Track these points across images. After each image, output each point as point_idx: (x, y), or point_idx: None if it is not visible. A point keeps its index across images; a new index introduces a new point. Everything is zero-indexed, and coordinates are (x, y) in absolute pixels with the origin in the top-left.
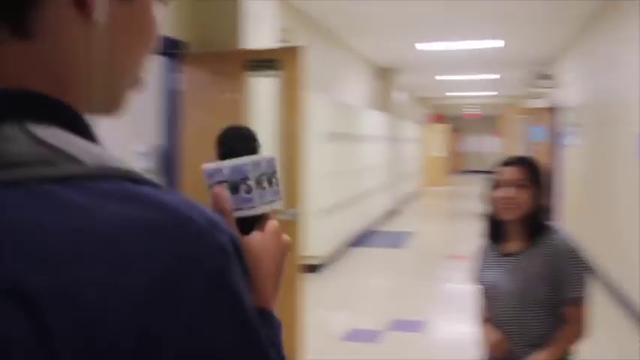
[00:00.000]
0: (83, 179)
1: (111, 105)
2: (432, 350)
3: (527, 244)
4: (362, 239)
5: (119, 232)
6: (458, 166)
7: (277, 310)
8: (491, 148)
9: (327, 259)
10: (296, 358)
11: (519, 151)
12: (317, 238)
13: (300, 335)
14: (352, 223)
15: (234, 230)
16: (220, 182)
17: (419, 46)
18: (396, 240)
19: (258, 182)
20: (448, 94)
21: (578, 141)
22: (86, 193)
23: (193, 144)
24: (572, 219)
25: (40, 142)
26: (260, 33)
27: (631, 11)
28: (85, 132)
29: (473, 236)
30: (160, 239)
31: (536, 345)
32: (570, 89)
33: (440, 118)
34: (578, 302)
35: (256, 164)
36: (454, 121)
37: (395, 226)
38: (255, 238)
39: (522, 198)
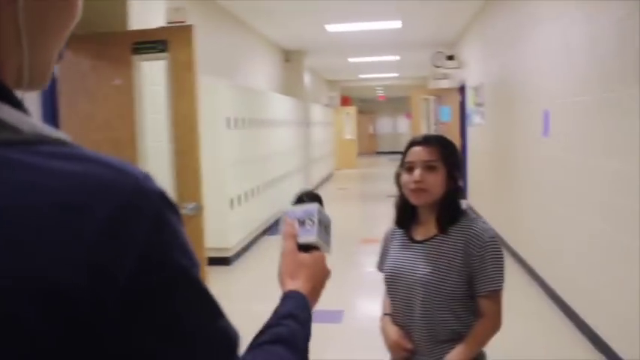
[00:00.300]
0: (25, 144)
1: (37, 80)
2: (353, 340)
3: (439, 230)
4: (276, 227)
5: (67, 184)
6: (370, 148)
7: None
8: (403, 129)
9: (240, 249)
10: None
11: (426, 132)
12: (229, 228)
13: None
14: (265, 210)
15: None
16: (294, 217)
17: (329, 27)
18: None
19: (314, 224)
20: (361, 76)
21: (483, 120)
22: (31, 154)
23: (76, 135)
24: (477, 198)
25: None
26: (150, 13)
27: None
28: (18, 105)
29: (386, 218)
30: (106, 189)
31: (447, 341)
32: (474, 69)
33: (347, 100)
34: (494, 295)
35: (319, 212)
36: (366, 104)
37: None
38: (307, 255)
39: (432, 181)
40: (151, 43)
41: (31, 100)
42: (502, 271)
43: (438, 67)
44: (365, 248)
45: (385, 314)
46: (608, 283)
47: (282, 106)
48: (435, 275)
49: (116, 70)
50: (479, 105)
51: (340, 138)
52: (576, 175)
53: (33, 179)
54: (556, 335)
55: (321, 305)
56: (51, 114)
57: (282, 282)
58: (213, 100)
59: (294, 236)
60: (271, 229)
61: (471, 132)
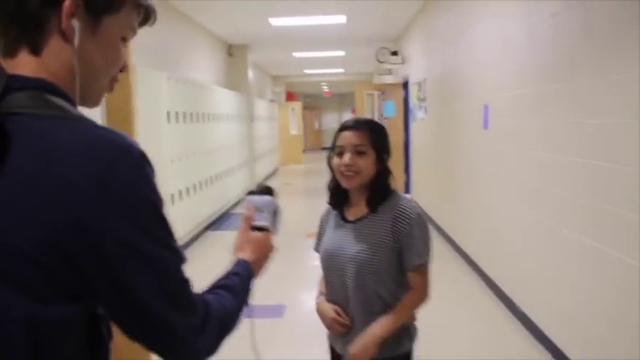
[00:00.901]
0: (64, 119)
1: (89, 99)
2: (295, 337)
3: (370, 210)
4: (219, 222)
5: (82, 146)
6: (316, 143)
7: None
8: None
9: (182, 245)
10: (143, 356)
11: None
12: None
13: None
14: (208, 206)
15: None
16: (252, 204)
17: (273, 21)
18: None
19: (267, 213)
20: (307, 71)
21: (426, 115)
22: (62, 125)
23: None
24: (421, 192)
25: (48, 101)
26: None
27: None
28: (71, 103)
29: None
30: (98, 151)
31: (380, 313)
32: (417, 65)
33: (292, 96)
34: (421, 269)
35: (272, 202)
36: (312, 99)
37: None
38: (258, 234)
39: (362, 164)
40: None
41: None
42: (428, 245)
43: (382, 62)
44: (309, 242)
45: (321, 294)
46: (547, 274)
47: (225, 100)
48: (367, 252)
49: None
50: (422, 100)
51: (285, 133)
52: (514, 167)
53: (57, 136)
54: (496, 324)
55: (263, 300)
56: None
57: (234, 253)
58: (153, 93)
59: (251, 219)
60: (215, 224)
61: (414, 127)
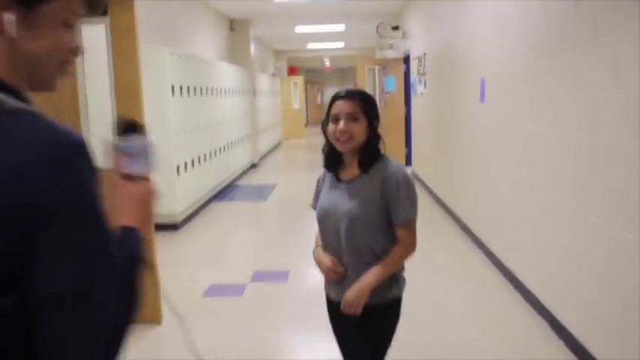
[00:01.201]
0: (9, 113)
1: (41, 86)
2: (298, 298)
3: (362, 171)
4: (224, 194)
5: (17, 141)
6: (318, 118)
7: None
8: None
9: (187, 215)
10: (157, 320)
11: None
12: (177, 194)
13: (157, 300)
14: (213, 178)
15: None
16: (119, 151)
17: None
18: (258, 193)
19: (139, 155)
20: (309, 46)
21: (426, 89)
22: (13, 120)
23: None
24: (421, 165)
25: None
26: None
27: None
28: (15, 94)
29: None
30: (33, 143)
31: (370, 262)
32: (417, 39)
33: (295, 70)
34: (408, 223)
35: (140, 140)
36: (314, 74)
37: (257, 179)
38: (133, 185)
39: (355, 130)
40: (91, 4)
41: None
42: (415, 203)
43: (383, 37)
44: (311, 212)
45: (317, 246)
46: (537, 239)
47: (228, 74)
48: (358, 208)
49: None
50: (422, 74)
51: (288, 108)
52: (510, 139)
53: (7, 129)
54: (493, 292)
55: (269, 267)
56: None
57: (115, 217)
58: (158, 68)
59: (120, 169)
60: (220, 195)
61: (414, 101)
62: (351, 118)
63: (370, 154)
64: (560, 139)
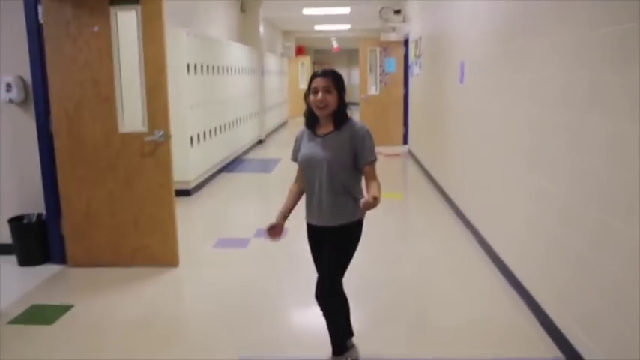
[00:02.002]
0: None
1: None
2: (294, 253)
3: (335, 128)
4: (232, 166)
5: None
6: None
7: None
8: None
9: (198, 184)
10: (175, 263)
11: (375, 82)
12: (189, 163)
13: (175, 246)
14: (222, 150)
15: None
16: None
17: None
18: (263, 166)
19: None
20: (317, 27)
21: (421, 71)
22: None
23: (63, 75)
24: (417, 143)
25: None
26: None
27: None
28: None
29: None
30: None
31: (342, 193)
32: (415, 24)
33: (302, 50)
34: (372, 164)
35: None
36: (321, 55)
37: (262, 154)
38: None
39: (329, 100)
40: None
41: (20, 43)
42: (374, 150)
43: (386, 20)
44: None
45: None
46: (504, 207)
47: (238, 54)
48: (334, 154)
49: (95, 18)
50: (418, 57)
51: (295, 87)
52: (485, 118)
53: None
54: (471, 260)
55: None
56: (38, 57)
57: None
58: (176, 47)
59: None
60: (228, 167)
61: (412, 81)
62: (327, 90)
63: (341, 116)
64: (517, 114)
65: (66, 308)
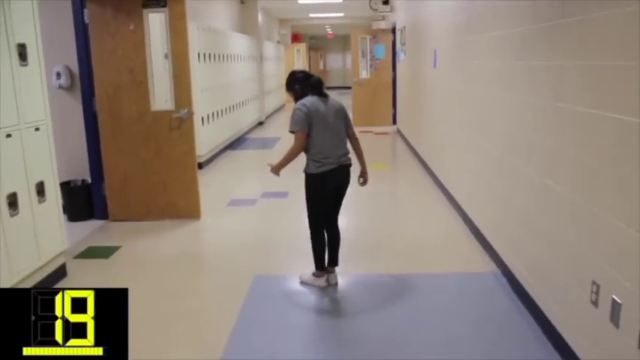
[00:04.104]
0: None
1: None
2: (294, 209)
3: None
4: (236, 144)
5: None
6: None
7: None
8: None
9: (208, 159)
10: (198, 216)
11: (365, 67)
12: (200, 140)
13: (198, 202)
14: (227, 130)
15: None
16: None
17: None
18: (265, 144)
19: None
20: (312, 15)
21: (405, 57)
22: None
23: (105, 64)
24: (402, 121)
25: None
26: None
27: None
28: None
29: None
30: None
31: (345, 153)
32: (401, 13)
33: (298, 37)
34: (353, 130)
35: None
36: (317, 41)
37: (263, 134)
38: None
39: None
40: (156, 0)
41: (66, 39)
42: (350, 120)
43: (375, 10)
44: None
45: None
46: (467, 173)
47: (240, 43)
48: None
49: (131, 18)
50: (403, 44)
51: None
52: (448, 96)
53: None
54: (451, 228)
55: (275, 189)
56: (84, 50)
57: None
58: (190, 39)
59: None
60: (233, 145)
61: (398, 67)
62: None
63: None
64: (468, 92)
65: (116, 248)
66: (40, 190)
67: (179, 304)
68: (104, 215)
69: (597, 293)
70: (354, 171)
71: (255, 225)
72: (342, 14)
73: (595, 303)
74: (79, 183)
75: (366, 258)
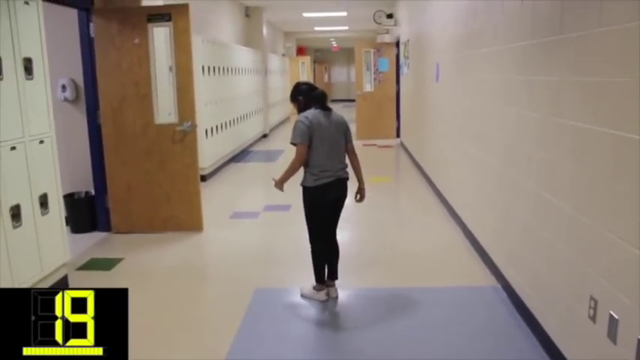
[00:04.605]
0: None
1: None
2: (296, 222)
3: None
4: (240, 157)
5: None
6: None
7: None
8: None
9: (212, 171)
10: (200, 229)
11: (368, 80)
12: (204, 153)
13: (200, 215)
14: (232, 143)
15: None
16: None
17: None
18: (268, 156)
19: None
20: (317, 28)
21: (409, 70)
22: None
23: (109, 77)
24: (406, 133)
25: None
26: None
27: None
28: None
29: None
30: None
31: (343, 167)
32: (404, 27)
33: (303, 50)
34: (352, 145)
35: None
36: (321, 54)
37: (267, 146)
38: None
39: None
40: (161, 15)
41: (71, 52)
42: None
43: (379, 23)
44: None
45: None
46: (466, 182)
47: (244, 56)
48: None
49: (136, 32)
50: (407, 58)
51: None
52: (449, 109)
53: None
54: (452, 242)
55: (278, 202)
56: (90, 63)
57: None
58: (195, 52)
59: None
60: (236, 157)
61: (402, 80)
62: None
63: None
64: (468, 105)
65: (118, 260)
66: (44, 202)
67: (180, 316)
68: (107, 227)
69: (595, 309)
70: (351, 187)
71: (257, 238)
72: (346, 27)
73: (593, 318)
74: (83, 195)
75: (367, 271)
